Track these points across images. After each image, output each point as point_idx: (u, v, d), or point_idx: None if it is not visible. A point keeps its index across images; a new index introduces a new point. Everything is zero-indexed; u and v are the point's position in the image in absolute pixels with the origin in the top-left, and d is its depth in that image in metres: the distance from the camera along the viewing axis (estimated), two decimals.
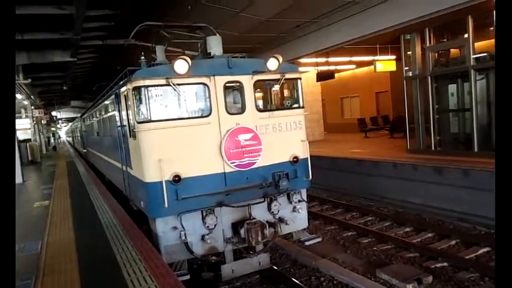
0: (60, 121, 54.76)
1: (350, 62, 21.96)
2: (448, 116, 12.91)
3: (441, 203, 10.34)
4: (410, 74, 13.73)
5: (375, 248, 8.62)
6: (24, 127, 25.65)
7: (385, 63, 18.53)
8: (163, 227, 6.13)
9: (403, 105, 14.23)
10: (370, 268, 7.50)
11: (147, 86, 6.01)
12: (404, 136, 14.59)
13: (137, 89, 6.06)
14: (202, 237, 6.26)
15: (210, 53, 6.85)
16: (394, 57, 18.62)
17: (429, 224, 9.95)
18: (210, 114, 6.33)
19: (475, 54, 11.26)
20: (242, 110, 6.59)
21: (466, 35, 11.47)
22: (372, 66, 19.07)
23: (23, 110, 25.67)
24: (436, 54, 12.98)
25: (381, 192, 12.30)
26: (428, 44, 12.67)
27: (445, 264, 7.47)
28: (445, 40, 13.03)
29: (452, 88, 12.62)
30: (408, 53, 13.67)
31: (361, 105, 26.65)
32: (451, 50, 13.15)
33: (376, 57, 18.73)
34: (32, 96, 24.06)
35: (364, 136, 21.43)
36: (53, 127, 50.40)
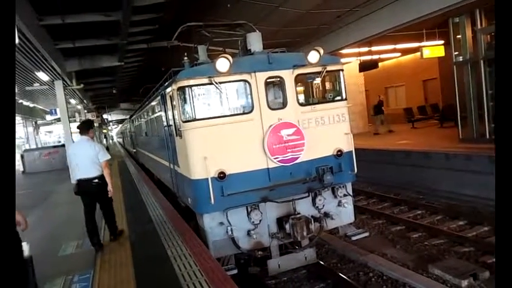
0: (111, 123, 57.58)
1: (394, 50, 21.15)
2: None
3: None
4: (461, 59, 13.01)
5: (426, 243, 8.31)
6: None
7: (433, 49, 17.69)
8: (210, 222, 6.27)
9: (453, 92, 13.53)
10: (421, 263, 7.25)
11: (191, 86, 6.16)
12: (456, 125, 13.88)
13: (182, 89, 6.24)
14: (248, 233, 6.34)
15: (250, 49, 6.88)
16: (442, 42, 17.70)
17: (485, 216, 9.38)
18: (252, 110, 6.38)
19: None
20: (284, 104, 6.57)
21: None
22: (418, 53, 18.30)
23: (77, 114, 27.22)
24: (489, 36, 12.19)
25: (431, 185, 11.81)
26: (479, 27, 11.95)
27: None
28: None
29: None
30: (458, 36, 12.94)
31: (407, 95, 25.62)
32: None
33: (422, 43, 17.93)
34: (84, 101, 25.46)
35: (411, 127, 20.62)
36: (105, 129, 52.96)
